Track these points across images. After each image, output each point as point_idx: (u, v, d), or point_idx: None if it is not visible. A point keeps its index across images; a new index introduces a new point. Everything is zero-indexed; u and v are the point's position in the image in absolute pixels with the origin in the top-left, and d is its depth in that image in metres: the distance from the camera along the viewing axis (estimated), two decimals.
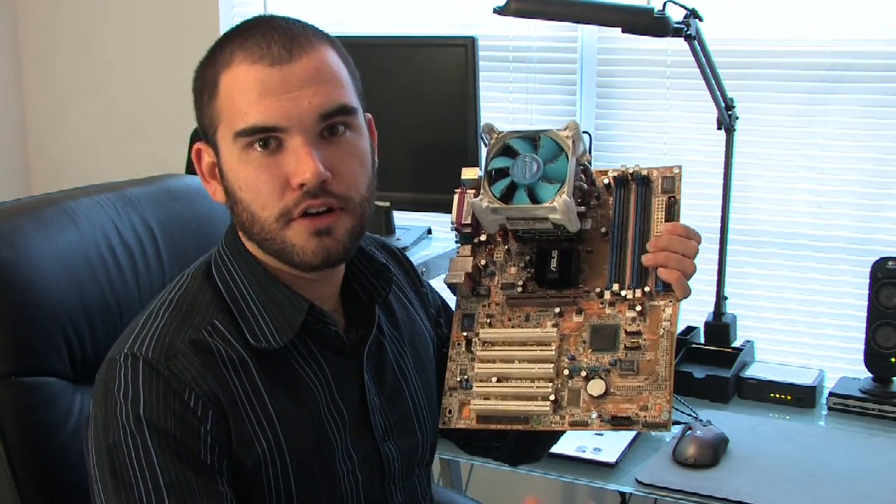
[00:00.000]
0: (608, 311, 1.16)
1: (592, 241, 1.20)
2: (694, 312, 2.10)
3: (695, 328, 2.09)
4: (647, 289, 1.15)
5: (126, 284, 1.31)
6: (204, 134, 1.12)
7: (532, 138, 1.17)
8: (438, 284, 1.39)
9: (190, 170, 2.27)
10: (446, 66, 2.10)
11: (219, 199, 1.14)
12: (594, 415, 1.12)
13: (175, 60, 2.77)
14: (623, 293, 1.16)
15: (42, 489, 1.20)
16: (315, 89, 1.06)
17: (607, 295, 1.17)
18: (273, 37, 1.07)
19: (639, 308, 1.15)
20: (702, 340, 2.06)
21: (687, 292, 1.14)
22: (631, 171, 1.21)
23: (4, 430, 1.18)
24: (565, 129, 1.16)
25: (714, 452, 1.67)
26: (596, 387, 1.12)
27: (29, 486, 1.19)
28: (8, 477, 1.18)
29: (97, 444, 1.06)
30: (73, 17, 2.89)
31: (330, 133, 1.09)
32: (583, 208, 1.18)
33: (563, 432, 1.30)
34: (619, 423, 1.11)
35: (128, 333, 1.10)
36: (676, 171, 1.21)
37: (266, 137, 1.06)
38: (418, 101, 2.13)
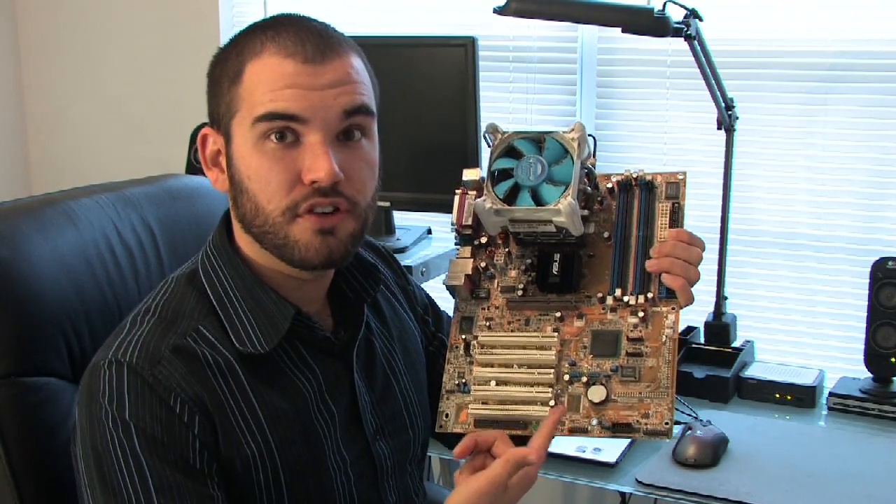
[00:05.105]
0: (610, 316, 1.15)
1: (595, 245, 1.19)
2: (694, 312, 2.10)
3: (695, 328, 2.09)
4: (649, 295, 1.14)
5: (126, 284, 1.31)
6: (215, 121, 1.11)
7: (537, 140, 1.15)
8: (437, 285, 1.38)
9: (190, 170, 2.27)
10: (446, 66, 2.09)
11: (220, 187, 1.13)
12: (594, 421, 1.10)
13: (175, 60, 2.77)
14: (626, 299, 1.14)
15: (41, 489, 1.20)
16: (342, 90, 1.07)
17: (609, 300, 1.15)
18: (308, 36, 1.07)
19: (641, 314, 1.13)
20: (702, 340, 2.06)
21: (691, 299, 1.13)
22: (635, 175, 1.20)
23: (4, 430, 1.18)
24: (571, 131, 1.14)
25: (714, 452, 1.67)
26: (596, 393, 1.11)
27: (28, 486, 1.19)
28: (7, 477, 1.18)
29: (84, 451, 1.05)
30: (73, 17, 2.89)
31: (346, 137, 1.09)
32: (586, 212, 1.17)
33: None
34: (619, 430, 1.09)
35: (111, 340, 1.10)
36: (681, 177, 1.19)
37: (285, 128, 1.06)
38: (418, 101, 2.13)
